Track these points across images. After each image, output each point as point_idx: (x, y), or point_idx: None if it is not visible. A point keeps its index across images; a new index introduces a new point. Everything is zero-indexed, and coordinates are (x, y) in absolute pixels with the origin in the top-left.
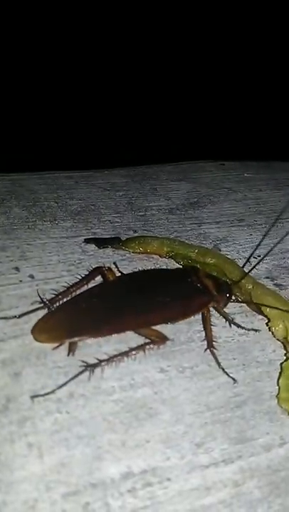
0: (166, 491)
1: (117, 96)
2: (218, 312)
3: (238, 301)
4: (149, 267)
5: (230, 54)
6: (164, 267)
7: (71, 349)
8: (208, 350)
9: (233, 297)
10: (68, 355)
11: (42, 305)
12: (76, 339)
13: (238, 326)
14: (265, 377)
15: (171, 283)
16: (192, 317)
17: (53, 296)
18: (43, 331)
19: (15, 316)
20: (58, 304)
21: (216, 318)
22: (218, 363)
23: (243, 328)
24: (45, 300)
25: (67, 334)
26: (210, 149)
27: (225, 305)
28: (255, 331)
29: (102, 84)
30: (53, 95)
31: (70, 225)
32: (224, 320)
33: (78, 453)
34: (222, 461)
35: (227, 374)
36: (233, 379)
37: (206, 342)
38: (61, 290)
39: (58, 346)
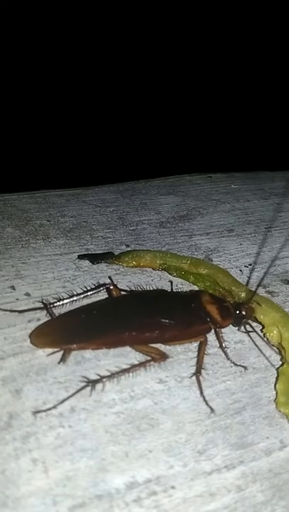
0: (171, 499)
1: (102, 111)
2: (217, 336)
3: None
4: (143, 281)
5: (213, 64)
6: (158, 279)
7: (64, 357)
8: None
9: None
10: (59, 362)
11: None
12: (70, 347)
13: (228, 357)
14: (262, 383)
15: (175, 306)
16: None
17: (55, 300)
18: (41, 335)
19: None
20: (58, 310)
21: None
22: (201, 391)
23: (233, 362)
24: (47, 304)
25: (62, 341)
26: (197, 162)
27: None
28: (244, 367)
29: (87, 103)
30: (38, 117)
31: (63, 242)
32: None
33: (83, 466)
34: (224, 467)
35: (206, 403)
36: (211, 408)
37: (195, 366)
38: (65, 296)
39: (52, 353)
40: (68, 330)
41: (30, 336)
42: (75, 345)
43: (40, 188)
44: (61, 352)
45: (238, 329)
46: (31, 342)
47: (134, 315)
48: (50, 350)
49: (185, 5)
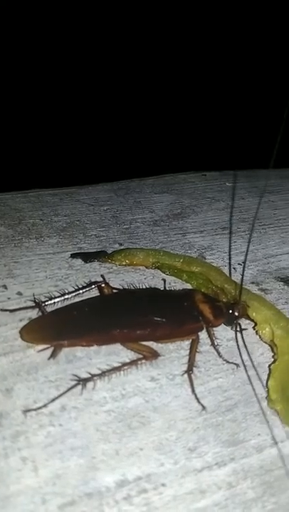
0: (161, 497)
1: (96, 110)
2: (208, 334)
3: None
4: (136, 279)
5: (208, 62)
6: (151, 278)
7: (54, 354)
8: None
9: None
10: (49, 358)
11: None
12: (60, 343)
13: (220, 355)
14: (254, 380)
15: (167, 304)
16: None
17: (47, 299)
18: (31, 331)
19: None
20: (50, 308)
21: None
22: (193, 389)
23: (225, 360)
24: (38, 303)
25: (53, 337)
26: (192, 161)
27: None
28: (236, 365)
29: (81, 103)
30: (32, 117)
31: (56, 241)
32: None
33: (72, 464)
34: (215, 464)
35: (198, 401)
36: (203, 406)
37: (187, 364)
38: (56, 294)
39: (42, 350)
40: (59, 326)
41: (21, 331)
42: (65, 342)
43: (33, 188)
44: (52, 348)
45: (231, 328)
46: (22, 338)
47: (125, 313)
48: (41, 346)
49: (184, 3)
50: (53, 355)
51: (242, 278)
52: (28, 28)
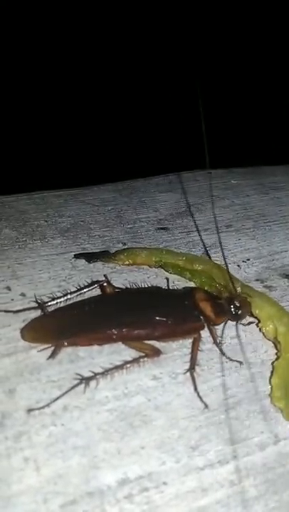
0: (162, 495)
1: (99, 111)
2: (210, 332)
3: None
4: (139, 278)
5: (212, 60)
6: (154, 277)
7: (54, 353)
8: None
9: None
10: (48, 358)
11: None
12: (60, 342)
13: (223, 353)
14: (258, 378)
15: (168, 303)
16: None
17: (50, 299)
18: (32, 330)
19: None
20: (52, 309)
21: None
22: (195, 387)
23: (228, 357)
24: (41, 303)
25: (53, 337)
26: (197, 159)
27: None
28: (239, 362)
29: (84, 103)
30: (35, 119)
31: (59, 242)
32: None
33: (74, 463)
34: (217, 462)
35: (201, 399)
36: (205, 404)
37: (189, 363)
38: (58, 295)
39: (43, 349)
40: (59, 325)
41: (22, 330)
42: (65, 341)
43: (38, 189)
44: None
45: (237, 323)
46: (22, 337)
47: (126, 311)
48: (43, 346)
49: (183, 2)
50: (52, 354)
51: (229, 272)
52: (28, 27)
